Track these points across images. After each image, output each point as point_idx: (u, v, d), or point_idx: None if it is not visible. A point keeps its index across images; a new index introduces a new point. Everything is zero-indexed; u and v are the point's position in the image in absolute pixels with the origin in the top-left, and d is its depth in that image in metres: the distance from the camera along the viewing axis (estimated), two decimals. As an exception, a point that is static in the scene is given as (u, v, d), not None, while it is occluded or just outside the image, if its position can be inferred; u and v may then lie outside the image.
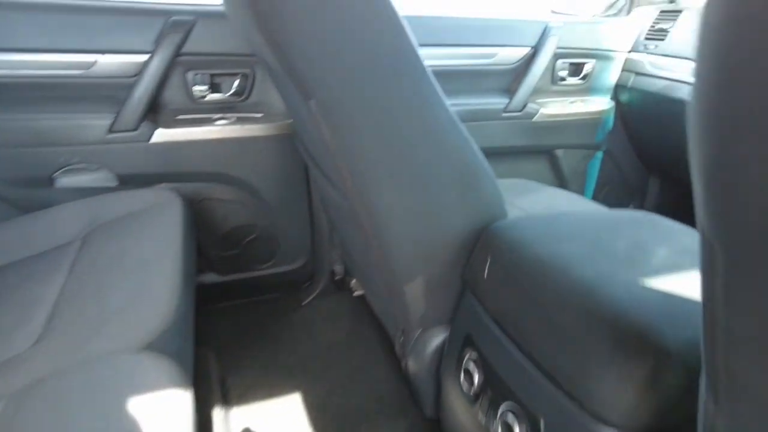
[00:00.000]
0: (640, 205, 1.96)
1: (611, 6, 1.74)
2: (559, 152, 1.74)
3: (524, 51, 1.55)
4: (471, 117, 1.54)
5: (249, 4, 0.65)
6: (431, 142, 0.77)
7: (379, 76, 0.70)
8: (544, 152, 1.74)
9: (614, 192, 1.92)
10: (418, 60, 0.72)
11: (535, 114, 1.60)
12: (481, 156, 0.82)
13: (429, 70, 0.74)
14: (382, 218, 0.78)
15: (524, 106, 1.58)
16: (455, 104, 1.52)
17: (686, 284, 0.67)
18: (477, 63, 1.52)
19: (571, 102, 1.69)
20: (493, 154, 1.69)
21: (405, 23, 0.70)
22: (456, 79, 1.53)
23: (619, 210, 0.94)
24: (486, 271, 0.79)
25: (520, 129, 1.62)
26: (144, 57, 1.18)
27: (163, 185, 1.31)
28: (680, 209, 1.92)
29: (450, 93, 1.55)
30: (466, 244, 0.83)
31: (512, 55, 1.54)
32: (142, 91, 1.19)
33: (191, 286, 0.97)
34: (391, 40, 0.69)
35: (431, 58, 1.46)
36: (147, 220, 1.07)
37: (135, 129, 1.21)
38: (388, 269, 0.85)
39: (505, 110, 1.57)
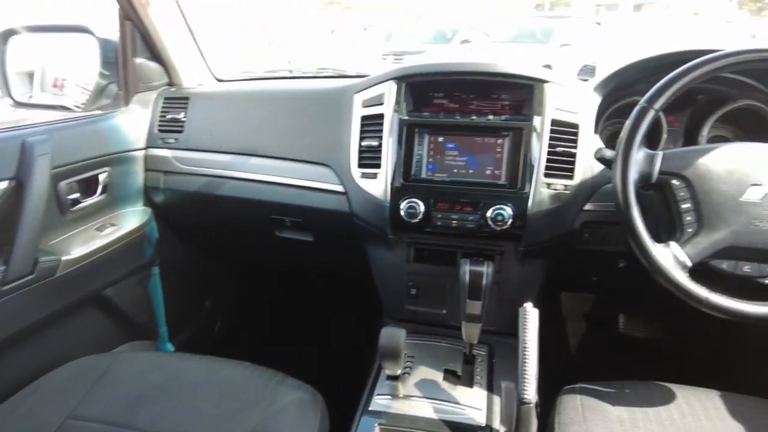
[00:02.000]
0: (217, 294, 1.76)
1: (101, 94, 1.38)
2: (109, 291, 1.30)
3: (1, 186, 1.02)
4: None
5: None
6: None
7: None
8: (90, 302, 1.26)
9: (189, 296, 1.64)
10: None
11: (56, 267, 1.11)
12: None
13: None
14: None
15: (35, 264, 1.06)
16: None
17: None
18: None
19: (98, 228, 1.26)
20: (12, 345, 1.09)
21: None
22: None
23: None
24: None
25: (37, 296, 1.08)
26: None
27: None
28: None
29: None
30: None
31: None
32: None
33: None
34: None
35: None
36: None
37: None
38: None
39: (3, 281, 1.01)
